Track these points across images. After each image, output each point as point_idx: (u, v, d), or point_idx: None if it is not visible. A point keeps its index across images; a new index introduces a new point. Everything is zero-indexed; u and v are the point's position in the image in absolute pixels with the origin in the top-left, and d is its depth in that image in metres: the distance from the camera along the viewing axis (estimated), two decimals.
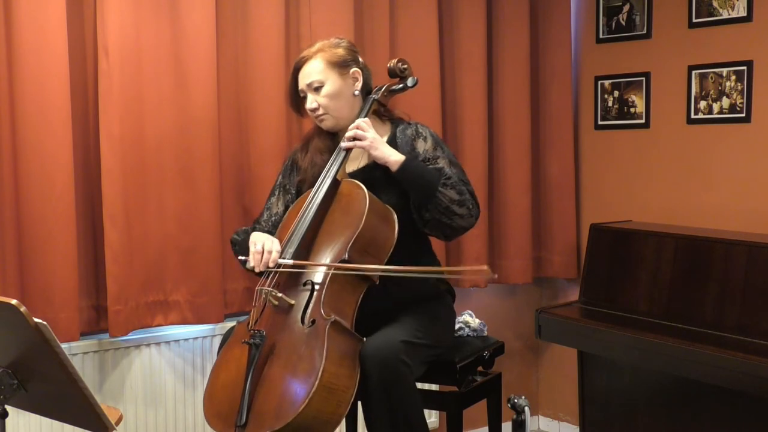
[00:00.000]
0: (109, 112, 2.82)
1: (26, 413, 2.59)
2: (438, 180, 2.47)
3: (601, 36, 3.87)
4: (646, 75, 3.70)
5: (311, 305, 2.31)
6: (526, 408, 3.02)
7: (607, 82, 3.85)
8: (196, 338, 3.12)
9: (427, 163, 2.55)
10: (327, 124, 2.61)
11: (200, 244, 3.01)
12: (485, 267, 2.40)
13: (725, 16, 3.41)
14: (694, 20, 3.51)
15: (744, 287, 2.97)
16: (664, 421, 3.21)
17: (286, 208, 2.65)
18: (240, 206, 3.16)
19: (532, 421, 3.95)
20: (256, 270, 2.42)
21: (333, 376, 2.18)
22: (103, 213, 2.84)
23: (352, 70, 2.59)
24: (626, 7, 3.76)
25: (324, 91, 2.56)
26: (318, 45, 2.61)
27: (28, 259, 2.73)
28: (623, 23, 3.78)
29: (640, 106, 3.74)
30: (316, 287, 2.34)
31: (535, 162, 3.91)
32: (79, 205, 2.85)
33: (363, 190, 2.45)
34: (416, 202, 2.50)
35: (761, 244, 2.97)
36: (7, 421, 1.86)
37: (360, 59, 2.65)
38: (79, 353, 2.88)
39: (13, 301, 1.70)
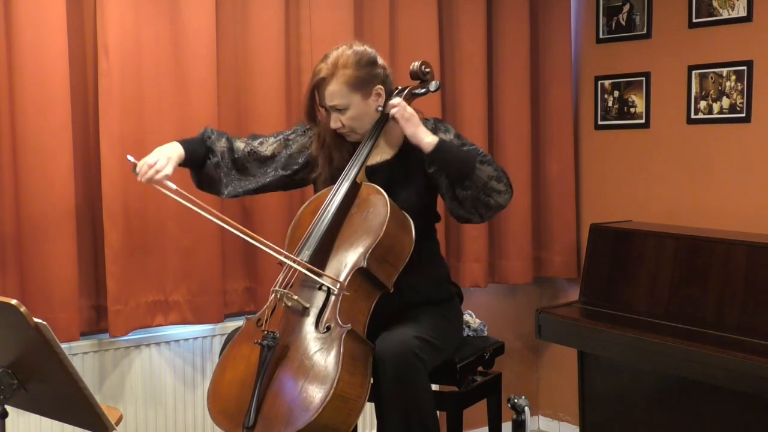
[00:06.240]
0: (109, 112, 2.82)
1: (26, 413, 2.58)
2: (475, 157, 2.42)
3: (601, 36, 3.87)
4: (646, 75, 3.70)
5: (327, 311, 2.28)
6: (526, 408, 3.03)
7: (607, 82, 3.85)
8: (196, 338, 3.12)
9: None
10: (353, 138, 2.54)
11: (200, 244, 3.01)
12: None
13: (725, 16, 3.41)
14: (694, 20, 3.51)
15: (744, 287, 2.97)
16: (664, 421, 3.21)
17: (273, 155, 2.62)
18: (240, 206, 3.15)
19: (532, 421, 3.94)
20: (138, 179, 2.41)
21: (347, 385, 2.16)
22: (103, 213, 2.85)
23: (375, 88, 2.50)
24: (626, 7, 3.76)
25: (348, 113, 2.47)
26: (335, 59, 2.46)
27: (28, 259, 2.73)
28: (623, 23, 3.78)
29: (640, 106, 3.74)
30: (333, 293, 2.30)
31: (535, 162, 3.91)
32: (79, 205, 2.85)
33: (383, 195, 2.39)
34: (453, 182, 2.43)
35: (761, 244, 2.97)
36: (7, 421, 1.86)
37: (380, 69, 2.52)
38: (79, 353, 2.88)
39: (13, 301, 1.70)
